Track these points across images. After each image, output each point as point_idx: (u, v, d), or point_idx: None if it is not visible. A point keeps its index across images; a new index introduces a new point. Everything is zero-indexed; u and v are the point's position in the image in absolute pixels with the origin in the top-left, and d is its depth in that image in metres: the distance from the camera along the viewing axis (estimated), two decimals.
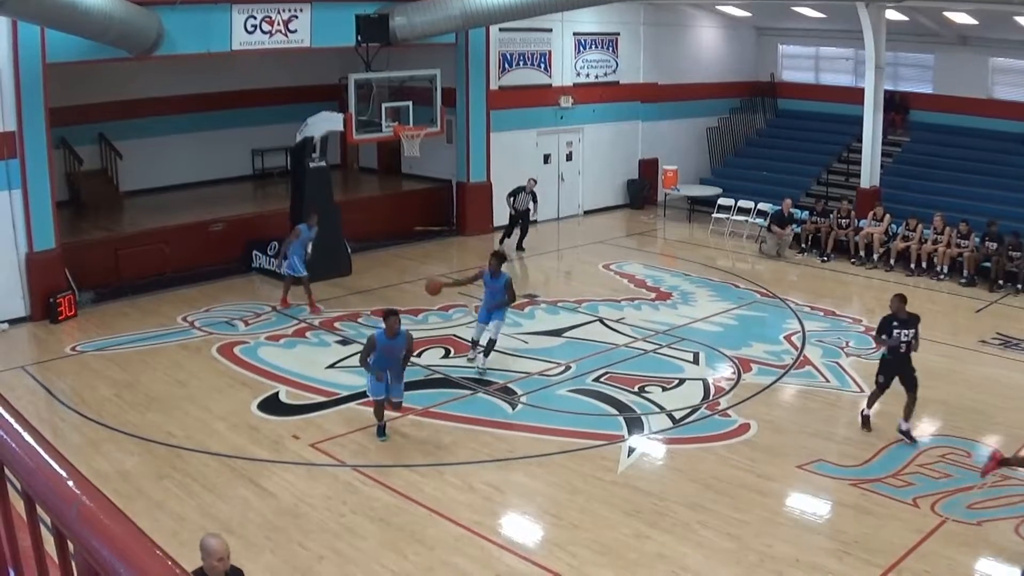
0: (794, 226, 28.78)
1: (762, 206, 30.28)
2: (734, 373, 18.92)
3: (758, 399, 17.56)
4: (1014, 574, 12.16)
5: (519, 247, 27.70)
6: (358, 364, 15.73)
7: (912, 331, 15.85)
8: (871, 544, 12.66)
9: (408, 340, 15.32)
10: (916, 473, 14.72)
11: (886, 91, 31.33)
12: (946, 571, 12.15)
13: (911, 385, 15.86)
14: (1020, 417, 17.17)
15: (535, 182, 27.86)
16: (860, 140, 31.04)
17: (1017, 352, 20.67)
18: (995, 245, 25.65)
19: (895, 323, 15.98)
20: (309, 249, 21.69)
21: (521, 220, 27.65)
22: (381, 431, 15.58)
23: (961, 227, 26.40)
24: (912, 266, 26.82)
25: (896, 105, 33.86)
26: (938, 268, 26.49)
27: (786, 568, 12.07)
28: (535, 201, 27.88)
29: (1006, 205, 28.59)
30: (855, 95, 31.50)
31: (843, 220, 28.32)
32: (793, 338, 21.07)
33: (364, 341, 19.35)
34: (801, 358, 19.88)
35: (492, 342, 18.36)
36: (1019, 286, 25.21)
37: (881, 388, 16.14)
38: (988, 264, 25.64)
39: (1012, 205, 28.67)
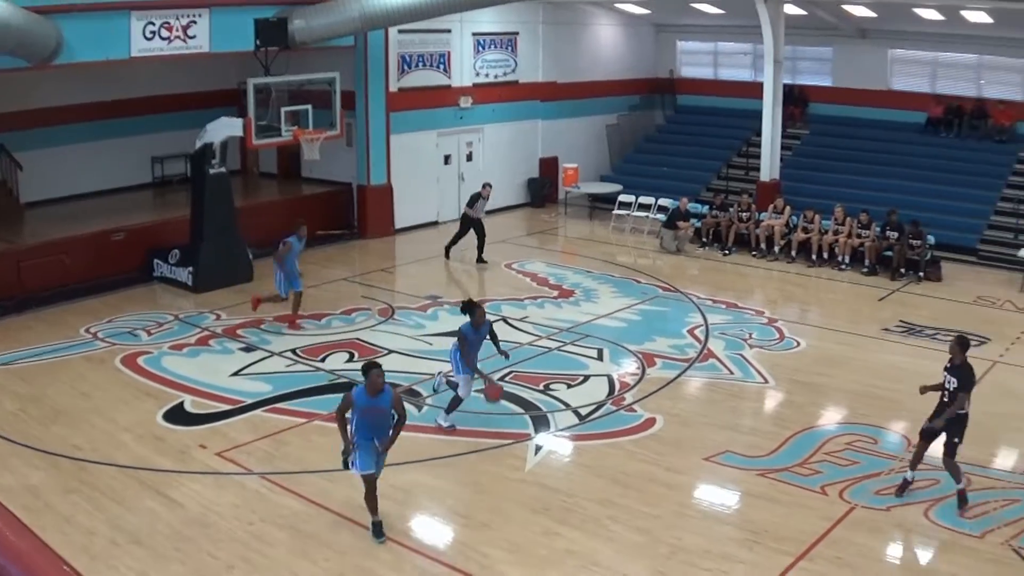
0: (694, 221, 28.77)
1: (663, 202, 30.26)
2: (638, 368, 18.80)
3: (663, 393, 17.47)
4: (928, 557, 12.23)
5: (480, 259, 26.84)
6: (336, 426, 12.70)
7: (956, 380, 13.69)
8: (781, 533, 12.62)
9: (396, 401, 12.42)
10: (823, 461, 14.71)
11: (785, 85, 31.56)
12: (857, 557, 12.16)
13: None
14: (925, 403, 17.17)
15: (491, 187, 27.43)
16: (759, 134, 31.21)
17: (920, 339, 20.83)
18: (896, 234, 25.89)
19: (946, 367, 14.00)
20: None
21: (477, 229, 26.86)
22: (378, 530, 12.63)
23: (862, 217, 26.61)
24: (813, 257, 27.00)
25: (795, 98, 34.19)
26: (840, 258, 26.71)
27: (697, 559, 11.98)
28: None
29: (906, 194, 28.95)
30: (754, 89, 31.73)
31: (744, 213, 28.40)
32: (696, 331, 21.03)
33: (268, 348, 19.14)
34: (705, 351, 19.83)
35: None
36: (920, 274, 25.48)
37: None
38: (890, 253, 25.87)
39: (912, 194, 29.04)
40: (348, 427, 12.33)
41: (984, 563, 12.23)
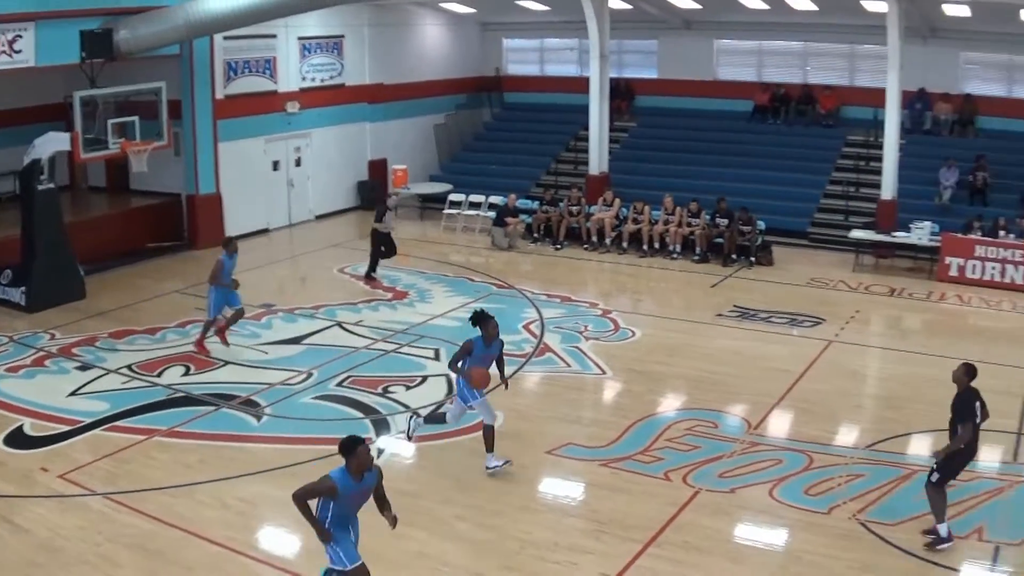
0: (524, 217, 28.66)
1: (493, 199, 30.08)
2: None
3: (502, 389, 17.24)
4: (777, 536, 12.43)
5: (369, 273, 25.28)
6: (304, 516, 10.18)
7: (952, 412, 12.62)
8: (628, 521, 12.54)
9: (379, 478, 10.43)
10: (665, 448, 14.68)
11: (611, 78, 31.71)
12: (704, 540, 12.16)
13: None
14: (763, 385, 17.41)
15: (396, 196, 26.66)
16: (587, 128, 31.24)
17: (754, 322, 21.08)
18: (726, 221, 26.16)
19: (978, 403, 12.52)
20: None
21: (385, 243, 25.38)
22: None
23: (691, 206, 26.85)
24: (645, 247, 27.14)
25: (622, 92, 34.36)
26: (671, 247, 26.88)
27: (546, 553, 11.80)
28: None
29: (736, 182, 29.34)
30: (581, 84, 31.69)
31: (574, 207, 28.37)
32: (531, 326, 20.88)
33: (104, 366, 18.42)
34: (541, 345, 19.70)
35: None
36: (752, 259, 25.79)
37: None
38: (720, 240, 26.10)
39: (742, 181, 29.42)
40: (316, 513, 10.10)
41: (833, 538, 12.37)
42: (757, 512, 13.00)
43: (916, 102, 31.07)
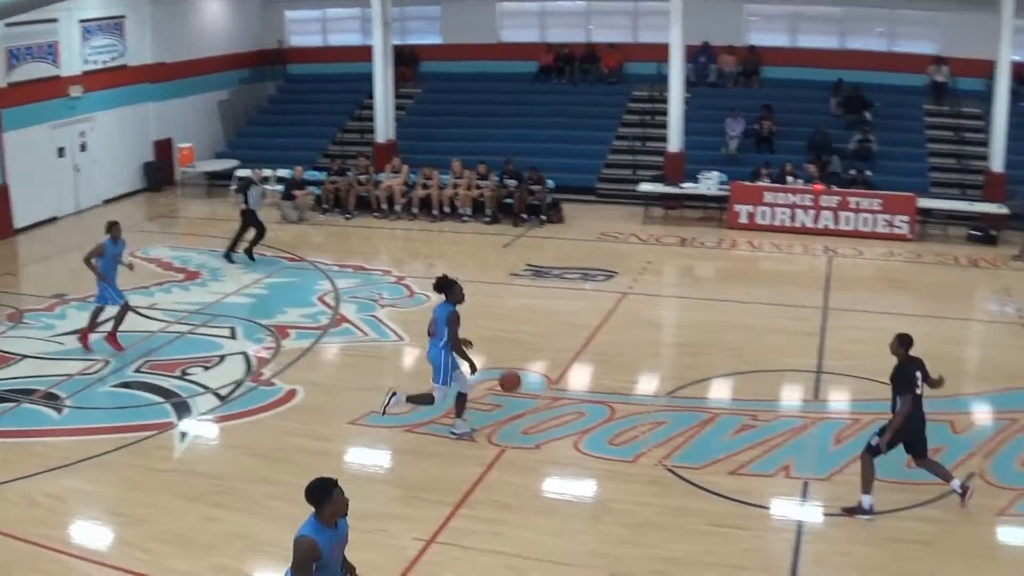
0: (312, 188, 28.26)
1: (281, 173, 29.56)
2: (273, 342, 18.21)
3: (301, 364, 16.96)
4: (586, 488, 12.50)
5: (250, 255, 23.97)
6: None
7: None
8: (437, 484, 12.46)
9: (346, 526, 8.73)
10: (468, 409, 14.50)
11: (395, 45, 31.45)
12: (514, 496, 12.18)
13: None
14: (561, 341, 17.51)
15: (261, 172, 25.76)
16: (372, 96, 30.91)
17: (548, 280, 21.24)
18: (515, 182, 26.23)
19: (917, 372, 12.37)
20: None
21: (253, 220, 24.02)
22: None
23: (480, 168, 26.83)
24: (435, 212, 27.01)
25: (406, 58, 34.08)
26: (461, 211, 26.80)
27: (359, 522, 11.34)
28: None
29: (522, 143, 29.50)
30: (365, 53, 31.28)
31: (362, 176, 28.07)
32: (326, 298, 20.59)
33: None
34: (337, 316, 19.43)
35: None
36: (542, 217, 25.91)
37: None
38: (510, 200, 26.13)
39: (528, 142, 29.61)
40: None
41: (642, 486, 12.54)
42: (564, 466, 13.07)
43: (700, 55, 31.64)
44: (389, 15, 29.97)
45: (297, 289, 21.37)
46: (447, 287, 13.88)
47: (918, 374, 12.12)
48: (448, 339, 13.68)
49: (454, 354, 13.78)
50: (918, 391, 12.01)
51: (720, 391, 15.80)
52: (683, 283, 22.29)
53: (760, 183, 26.09)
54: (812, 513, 12.19)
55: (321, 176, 29.09)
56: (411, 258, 24.69)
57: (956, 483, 12.34)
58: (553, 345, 17.32)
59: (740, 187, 26.09)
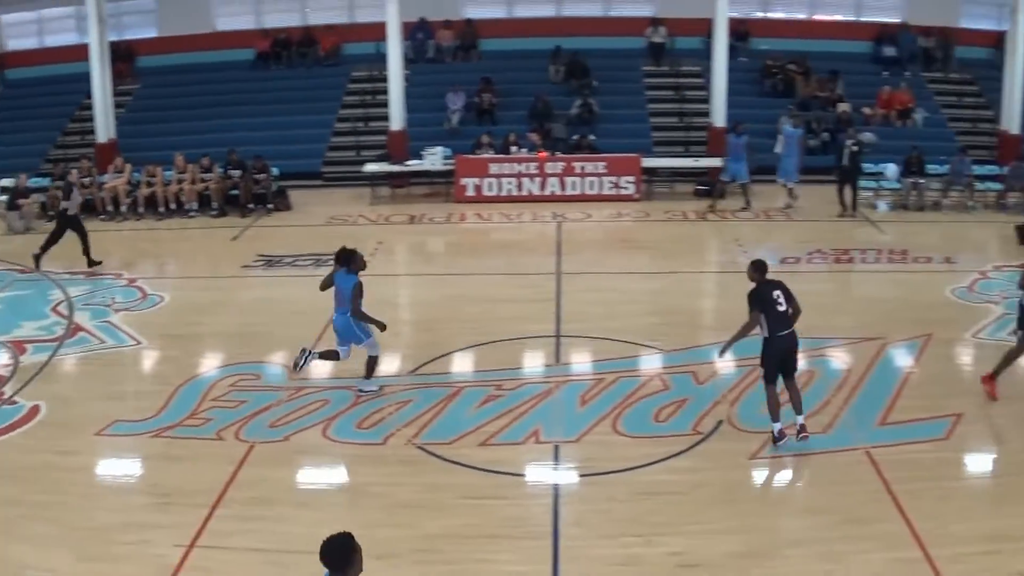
0: (38, 196, 27.39)
1: (5, 183, 28.50)
2: (11, 358, 17.63)
3: (41, 377, 16.45)
4: (339, 474, 12.67)
5: (90, 261, 22.71)
6: None
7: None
8: (190, 487, 12.23)
9: None
10: (212, 408, 14.44)
11: (112, 42, 30.65)
12: (269, 492, 12.08)
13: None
14: (298, 331, 17.39)
15: (79, 172, 24.40)
16: (91, 96, 30.03)
17: (280, 268, 21.28)
18: (239, 172, 25.98)
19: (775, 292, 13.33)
20: None
21: (75, 226, 22.79)
22: None
23: (203, 161, 26.53)
24: (161, 209, 26.60)
25: (122, 54, 33.19)
26: (187, 206, 26.44)
27: (116, 535, 11.34)
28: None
29: (245, 132, 29.26)
30: (83, 52, 30.30)
31: (85, 179, 27.30)
32: (60, 308, 19.99)
33: None
34: (72, 326, 18.91)
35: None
36: (269, 206, 25.79)
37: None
38: (236, 192, 25.89)
39: (250, 131, 29.39)
40: None
41: (395, 466, 12.71)
42: (315, 455, 13.10)
43: (418, 32, 31.93)
44: (104, 11, 29.17)
45: (30, 302, 20.70)
46: (348, 257, 14.49)
47: (776, 293, 13.14)
48: (352, 310, 14.35)
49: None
50: (780, 308, 13.04)
51: (462, 364, 16.08)
52: (416, 260, 22.54)
53: (484, 155, 26.50)
54: (566, 476, 12.54)
55: (46, 182, 28.17)
56: (141, 259, 24.05)
57: (777, 427, 13.17)
58: (291, 335, 17.18)
59: (465, 160, 26.48)
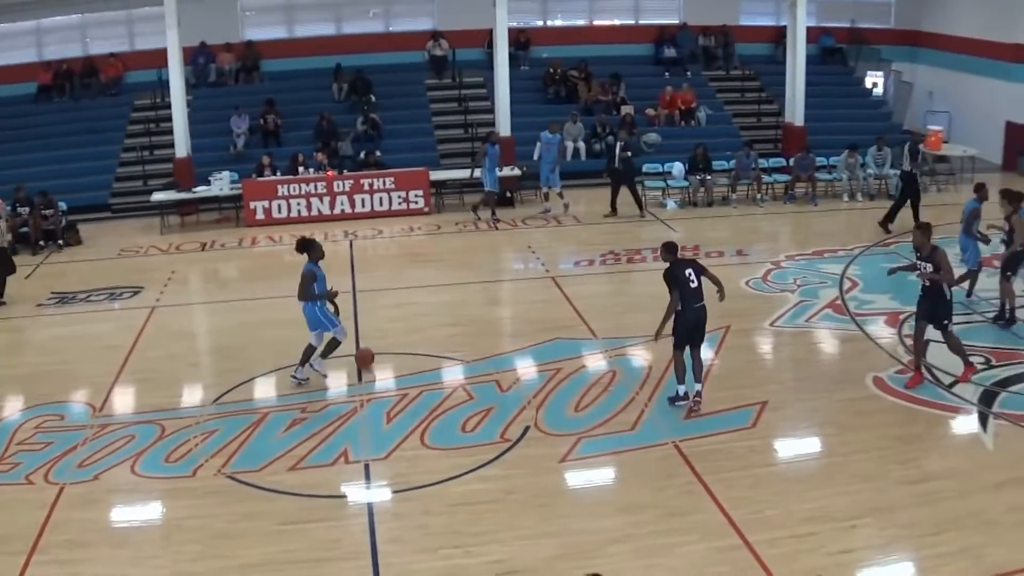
0: None
1: None
2: None
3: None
4: (152, 510, 12.44)
5: None
6: None
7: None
8: (4, 534, 11.94)
9: None
10: (18, 452, 14.10)
11: None
12: (84, 533, 11.84)
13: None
14: (98, 366, 17.19)
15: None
16: None
17: (75, 304, 20.76)
18: (27, 209, 25.27)
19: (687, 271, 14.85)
20: None
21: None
22: None
23: None
24: None
25: None
26: None
27: None
28: None
29: (31, 167, 28.32)
30: None
31: None
32: None
33: None
34: None
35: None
36: (60, 242, 25.16)
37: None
38: (26, 229, 25.18)
39: (36, 166, 28.53)
40: None
41: (206, 497, 12.60)
42: (126, 492, 12.90)
43: (199, 56, 31.53)
44: None
45: None
46: (307, 247, 15.79)
47: (688, 271, 14.57)
48: (298, 294, 15.63)
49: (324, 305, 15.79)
50: (692, 285, 14.49)
51: (266, 390, 16.00)
52: (211, 288, 22.28)
53: (271, 177, 26.40)
54: (380, 493, 12.67)
55: None
56: None
57: (681, 389, 14.85)
58: (91, 371, 16.94)
59: (252, 184, 26.34)
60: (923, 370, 15.79)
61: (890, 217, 24.38)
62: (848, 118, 33.65)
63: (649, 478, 12.91)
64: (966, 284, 19.16)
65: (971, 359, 15.86)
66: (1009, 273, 18.18)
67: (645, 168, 28.90)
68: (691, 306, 14.51)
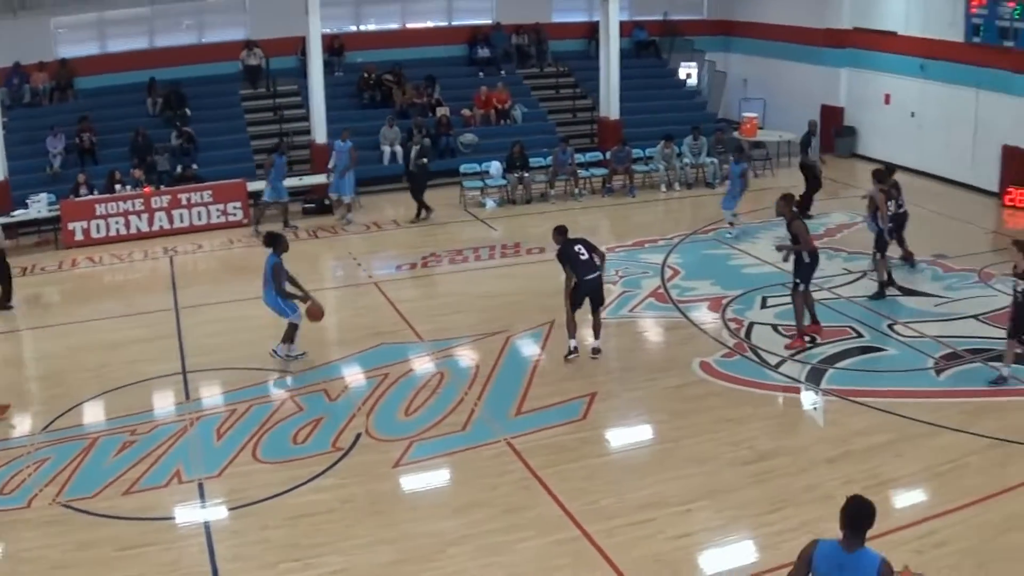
0: None
1: None
2: None
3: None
4: None
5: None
6: None
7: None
8: None
9: None
10: None
11: None
12: None
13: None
14: None
15: None
16: None
17: None
18: None
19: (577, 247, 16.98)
20: None
21: None
22: None
23: None
24: None
25: None
26: None
27: None
28: None
29: None
30: None
31: None
32: None
33: None
34: None
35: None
36: None
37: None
38: None
39: None
40: None
41: (43, 528, 12.44)
42: None
43: (13, 76, 30.83)
44: None
45: None
46: (274, 241, 17.21)
47: (578, 248, 16.82)
48: (276, 289, 16.94)
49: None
50: (583, 258, 16.73)
51: (94, 414, 15.86)
52: (33, 314, 21.76)
53: (88, 196, 26.05)
54: (216, 511, 12.72)
55: None
56: None
57: (573, 343, 17.01)
58: None
59: (70, 204, 25.94)
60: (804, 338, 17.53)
61: (805, 206, 25.04)
62: (663, 109, 34.70)
63: (483, 477, 13.32)
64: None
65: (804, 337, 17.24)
66: (878, 253, 19.88)
67: (463, 168, 29.50)
68: (585, 277, 16.66)
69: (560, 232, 17.06)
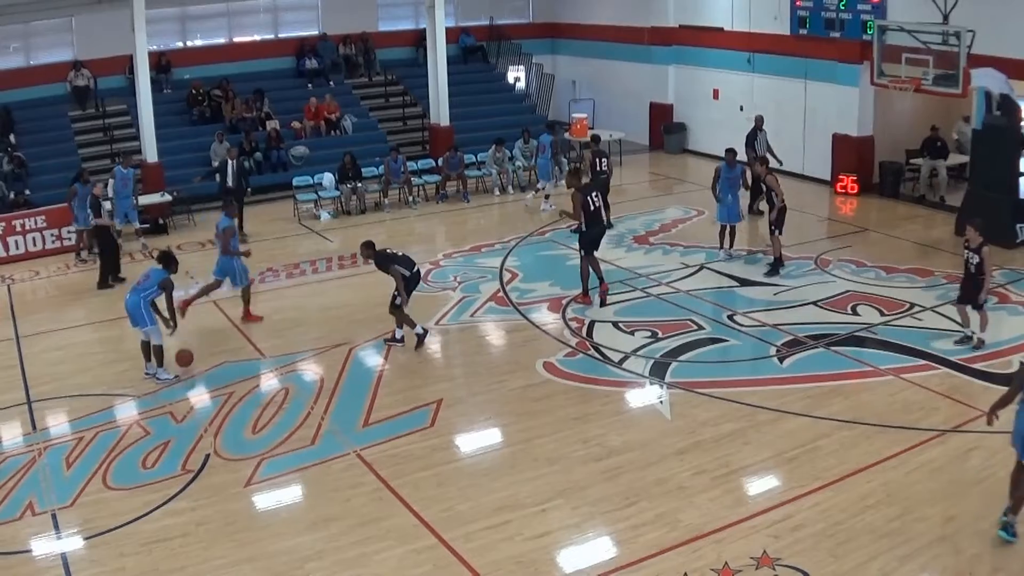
0: None
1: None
2: None
3: None
4: None
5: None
6: None
7: None
8: None
9: None
10: None
11: None
12: None
13: None
14: None
15: None
16: None
17: None
18: None
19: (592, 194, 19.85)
20: None
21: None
22: None
23: None
24: None
25: None
26: None
27: None
28: None
29: None
30: None
31: None
32: None
33: None
34: None
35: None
36: None
37: None
38: None
39: None
40: None
41: None
42: None
43: None
44: None
45: None
46: (166, 260, 17.61)
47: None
48: (150, 300, 17.26)
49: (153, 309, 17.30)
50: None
51: None
52: None
53: None
54: (72, 542, 12.54)
55: None
56: None
57: (419, 328, 18.21)
58: None
59: None
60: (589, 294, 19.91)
61: (754, 200, 25.03)
62: (493, 114, 35.49)
63: (336, 490, 13.52)
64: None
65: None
66: (775, 229, 21.27)
67: (295, 181, 29.63)
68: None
69: (369, 246, 18.30)
